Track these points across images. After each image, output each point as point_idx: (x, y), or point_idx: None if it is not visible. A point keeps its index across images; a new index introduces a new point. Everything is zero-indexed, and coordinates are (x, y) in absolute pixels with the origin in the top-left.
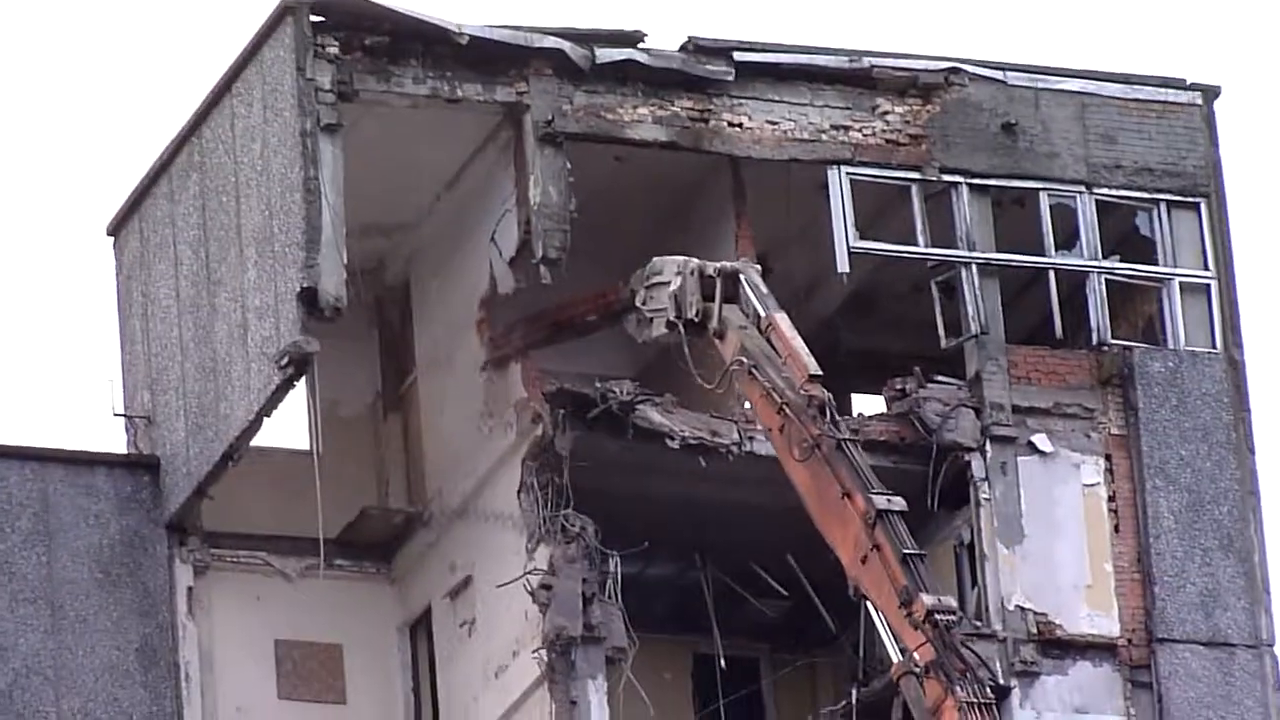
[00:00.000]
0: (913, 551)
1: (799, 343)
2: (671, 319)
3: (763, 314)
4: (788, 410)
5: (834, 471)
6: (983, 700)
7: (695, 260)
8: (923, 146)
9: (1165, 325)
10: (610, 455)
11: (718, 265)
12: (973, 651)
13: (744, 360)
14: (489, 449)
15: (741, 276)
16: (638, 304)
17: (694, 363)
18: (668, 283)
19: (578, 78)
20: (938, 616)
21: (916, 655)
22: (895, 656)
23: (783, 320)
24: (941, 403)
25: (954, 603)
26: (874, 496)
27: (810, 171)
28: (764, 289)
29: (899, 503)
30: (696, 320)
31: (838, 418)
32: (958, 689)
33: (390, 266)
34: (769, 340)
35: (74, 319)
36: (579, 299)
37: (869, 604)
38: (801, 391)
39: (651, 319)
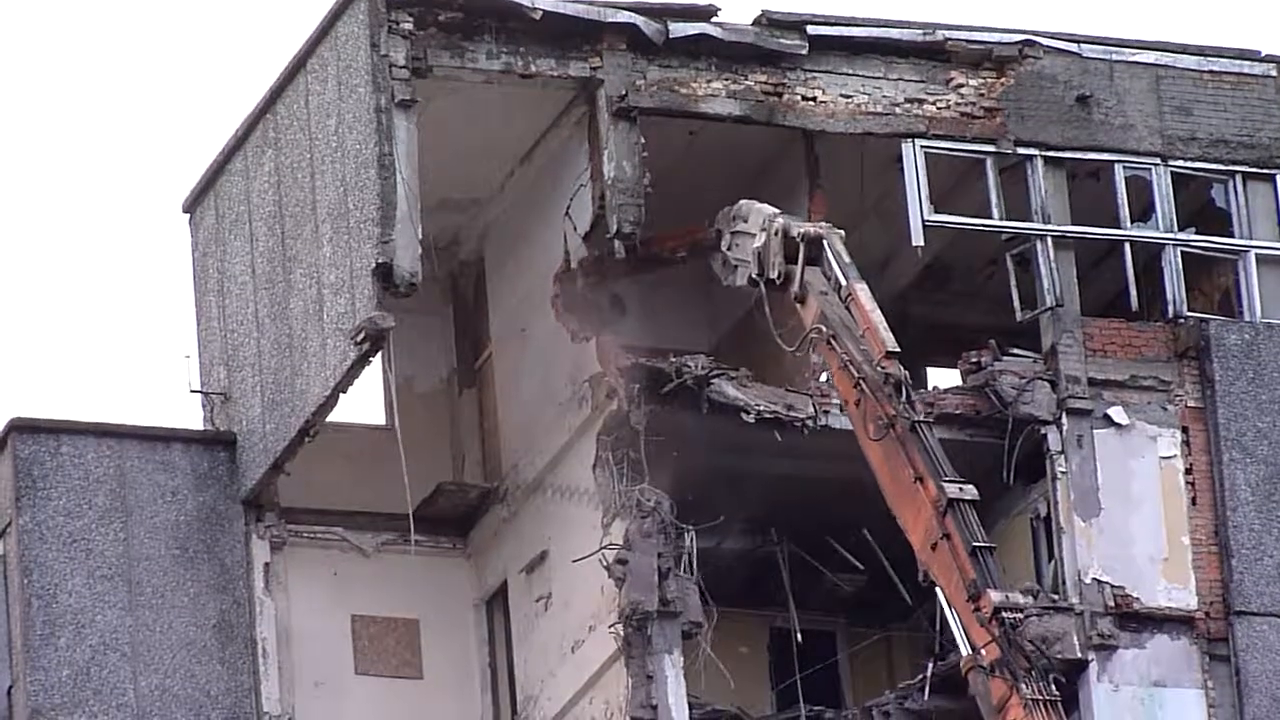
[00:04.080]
0: (983, 544)
1: (878, 317)
2: (754, 276)
3: (844, 283)
4: (864, 385)
5: (907, 454)
6: (1049, 697)
7: (781, 218)
8: (997, 119)
9: (1241, 297)
10: (685, 430)
11: (802, 229)
12: (1039, 649)
13: (823, 329)
14: (564, 424)
15: (825, 242)
16: (722, 247)
17: (775, 321)
18: (752, 234)
19: (651, 52)
20: (1004, 614)
21: (984, 651)
22: (964, 649)
23: (863, 292)
24: (1017, 376)
25: (1021, 598)
26: (946, 484)
27: (884, 145)
28: (846, 258)
29: (971, 491)
30: (778, 281)
31: (913, 397)
32: (1023, 686)
33: (465, 242)
34: (849, 309)
35: (150, 296)
36: (667, 234)
37: (939, 591)
38: (879, 368)
39: (736, 267)
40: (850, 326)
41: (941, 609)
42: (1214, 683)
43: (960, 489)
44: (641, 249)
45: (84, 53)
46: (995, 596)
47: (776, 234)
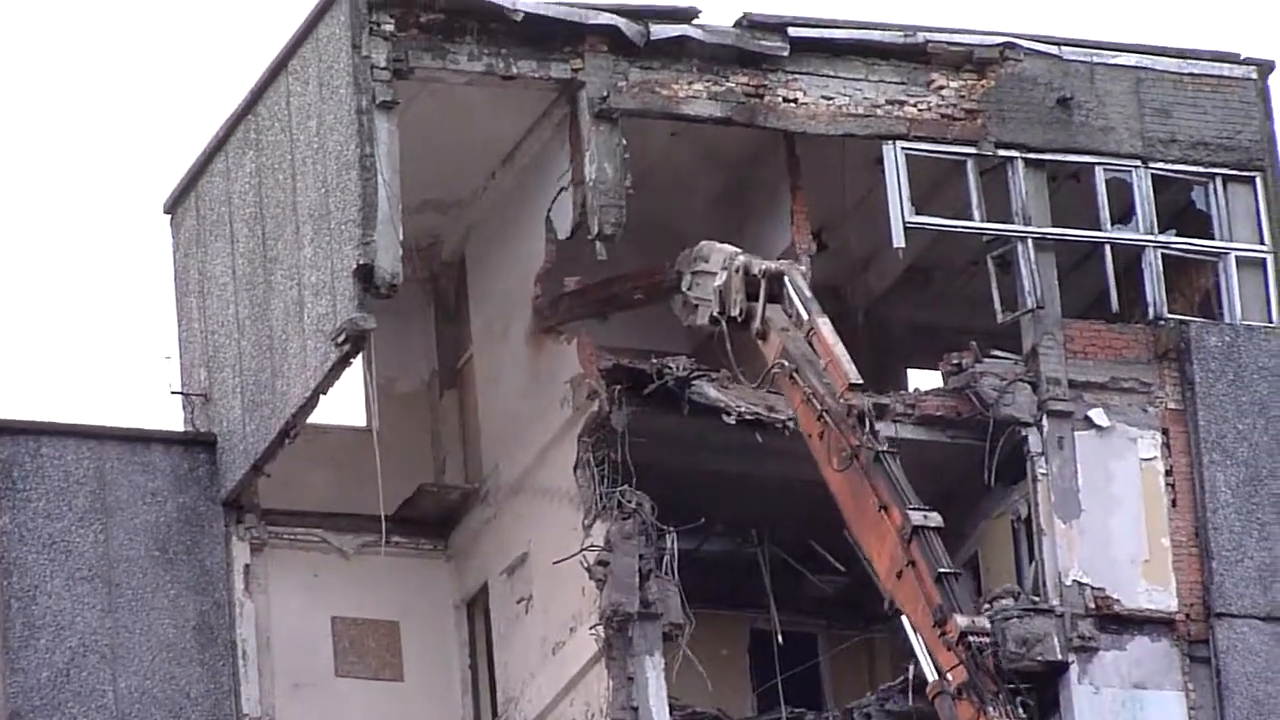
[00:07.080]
0: (948, 570)
1: (840, 350)
2: (715, 314)
3: (805, 318)
4: (827, 418)
5: (871, 483)
6: None
7: (741, 256)
8: (978, 121)
9: (1221, 299)
10: (666, 431)
11: (763, 266)
12: (1006, 672)
13: (785, 364)
14: (545, 425)
15: (786, 278)
16: (683, 288)
17: (737, 356)
18: (713, 273)
19: (632, 54)
20: (971, 638)
21: (950, 676)
22: (930, 675)
23: (825, 326)
24: (998, 377)
25: (988, 623)
26: (911, 512)
27: (866, 147)
28: (807, 293)
29: (935, 519)
30: (739, 319)
31: (876, 428)
32: (990, 710)
33: (446, 243)
34: (811, 344)
35: (131, 297)
36: (625, 275)
37: (905, 619)
38: (841, 400)
39: (697, 306)
40: (812, 360)
41: (908, 637)
42: (1194, 685)
43: (925, 516)
44: (599, 290)
45: (65, 54)
46: (962, 621)
47: (737, 271)
